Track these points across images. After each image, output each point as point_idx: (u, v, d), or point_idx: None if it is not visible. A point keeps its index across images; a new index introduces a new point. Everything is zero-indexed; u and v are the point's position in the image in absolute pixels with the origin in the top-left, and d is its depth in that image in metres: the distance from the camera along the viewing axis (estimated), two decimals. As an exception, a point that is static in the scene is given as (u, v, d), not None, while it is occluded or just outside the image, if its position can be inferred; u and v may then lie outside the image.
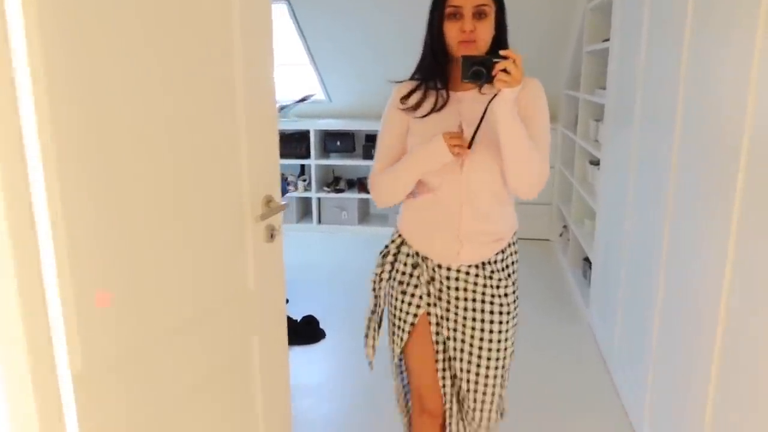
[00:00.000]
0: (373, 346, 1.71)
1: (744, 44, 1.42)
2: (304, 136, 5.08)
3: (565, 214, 4.29)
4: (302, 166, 5.30)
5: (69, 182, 0.88)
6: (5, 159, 0.80)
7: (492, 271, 1.56)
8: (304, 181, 5.19)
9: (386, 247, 1.66)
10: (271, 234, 1.39)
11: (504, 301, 1.56)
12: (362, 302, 3.72)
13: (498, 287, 1.56)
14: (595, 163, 3.56)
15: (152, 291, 1.08)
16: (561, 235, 4.57)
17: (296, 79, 5.09)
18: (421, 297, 1.58)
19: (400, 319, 1.61)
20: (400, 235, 1.63)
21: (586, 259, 3.68)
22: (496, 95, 1.36)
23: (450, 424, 1.67)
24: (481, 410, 1.63)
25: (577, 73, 4.09)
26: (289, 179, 5.22)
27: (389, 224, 5.07)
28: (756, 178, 1.37)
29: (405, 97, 1.54)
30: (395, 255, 1.63)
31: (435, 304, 1.58)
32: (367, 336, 1.71)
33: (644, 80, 2.32)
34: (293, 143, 5.12)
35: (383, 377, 2.70)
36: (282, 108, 5.14)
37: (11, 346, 0.85)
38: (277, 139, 1.40)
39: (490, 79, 1.34)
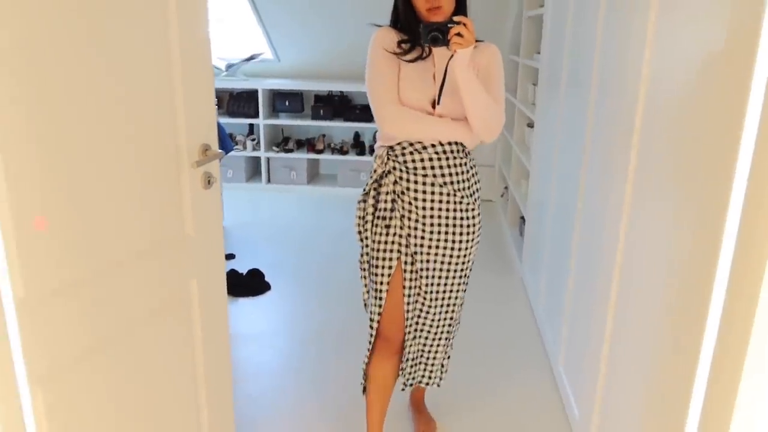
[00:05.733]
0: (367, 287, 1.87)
1: (641, 23, 1.57)
2: (252, 95, 5.09)
3: (505, 175, 4.48)
4: (251, 125, 5.31)
5: (5, 117, 0.95)
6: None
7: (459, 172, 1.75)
8: (253, 140, 5.21)
9: (364, 190, 1.79)
10: (209, 181, 1.48)
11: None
12: (308, 258, 3.85)
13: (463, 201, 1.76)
14: (532, 125, 3.72)
15: (91, 225, 1.16)
16: (502, 195, 4.77)
17: (244, 37, 5.06)
18: (399, 235, 1.75)
19: (383, 258, 1.77)
20: (375, 171, 1.77)
21: (522, 218, 3.88)
22: (453, 56, 1.58)
23: (407, 346, 1.86)
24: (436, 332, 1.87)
25: (519, 39, 4.22)
26: (237, 138, 5.23)
27: (338, 184, 5.17)
28: (647, 139, 1.53)
29: (401, 42, 1.70)
30: (375, 195, 1.78)
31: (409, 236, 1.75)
32: (363, 278, 1.86)
33: (570, 46, 2.47)
34: (242, 102, 5.12)
35: (324, 328, 2.85)
36: (230, 66, 5.12)
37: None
38: (212, 91, 1.48)
39: (446, 42, 1.55)
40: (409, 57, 1.70)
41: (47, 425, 1.11)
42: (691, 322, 1.22)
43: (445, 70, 1.66)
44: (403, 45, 1.70)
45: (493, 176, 4.97)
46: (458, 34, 1.53)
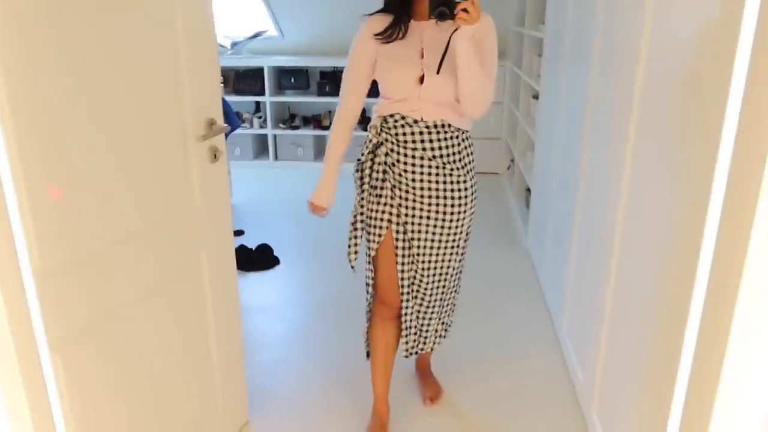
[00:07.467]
0: (355, 251, 1.91)
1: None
2: (258, 73, 5.09)
3: (511, 147, 4.48)
4: (257, 103, 5.33)
5: (19, 88, 0.99)
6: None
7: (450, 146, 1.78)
8: (260, 118, 5.23)
9: (359, 160, 1.86)
10: (215, 155, 1.52)
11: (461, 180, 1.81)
12: (316, 234, 3.90)
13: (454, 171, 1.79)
14: (537, 97, 3.72)
15: (102, 198, 1.20)
16: (509, 168, 4.78)
17: (248, 15, 5.05)
18: (390, 204, 1.81)
19: (374, 225, 1.84)
20: (370, 141, 1.82)
21: (528, 190, 3.90)
22: (456, 29, 1.59)
23: (405, 314, 1.92)
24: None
25: (523, 9, 4.20)
26: (244, 116, 5.25)
27: (346, 160, 5.18)
28: (647, 110, 1.55)
29: (381, 33, 1.76)
30: (371, 165, 1.83)
31: (400, 206, 1.80)
32: (350, 238, 1.92)
33: (573, 17, 2.46)
34: (247, 80, 5.13)
35: (332, 300, 2.91)
36: (235, 44, 5.12)
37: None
38: (217, 66, 1.51)
39: (452, 17, 1.58)
40: (388, 39, 1.76)
41: (66, 389, 1.17)
42: (681, 290, 1.26)
43: (448, 43, 1.67)
44: (388, 30, 1.75)
45: (499, 149, 4.97)
46: (464, 10, 1.56)
